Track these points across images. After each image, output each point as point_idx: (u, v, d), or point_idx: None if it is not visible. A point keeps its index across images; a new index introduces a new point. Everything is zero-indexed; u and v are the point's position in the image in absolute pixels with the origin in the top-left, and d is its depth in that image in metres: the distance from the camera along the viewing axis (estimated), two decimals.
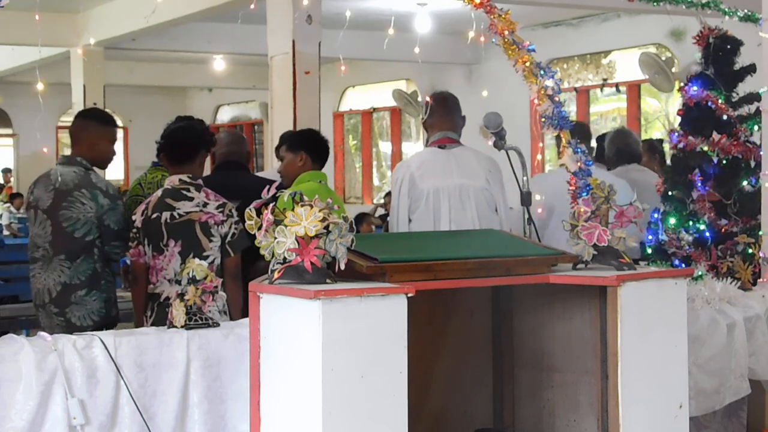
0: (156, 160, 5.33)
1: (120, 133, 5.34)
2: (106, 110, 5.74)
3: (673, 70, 12.06)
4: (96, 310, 4.76)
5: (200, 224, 4.58)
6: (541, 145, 14.59)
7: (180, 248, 4.55)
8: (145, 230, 4.63)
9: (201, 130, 4.97)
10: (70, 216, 4.74)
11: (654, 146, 7.57)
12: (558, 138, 4.19)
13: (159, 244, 4.58)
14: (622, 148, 6.67)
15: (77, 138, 4.96)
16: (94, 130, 4.95)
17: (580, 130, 6.08)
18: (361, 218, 11.07)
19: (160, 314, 4.48)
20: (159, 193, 4.71)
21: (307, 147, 5.32)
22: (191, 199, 4.62)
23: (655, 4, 5.44)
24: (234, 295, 4.53)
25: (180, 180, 4.67)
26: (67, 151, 5.20)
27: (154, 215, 4.61)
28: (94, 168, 4.97)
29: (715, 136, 5.21)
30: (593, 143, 6.87)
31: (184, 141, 4.80)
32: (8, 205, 17.54)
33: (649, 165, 6.94)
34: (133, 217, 4.71)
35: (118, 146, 5.28)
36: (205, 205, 4.61)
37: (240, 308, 4.51)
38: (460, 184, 5.19)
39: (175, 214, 4.59)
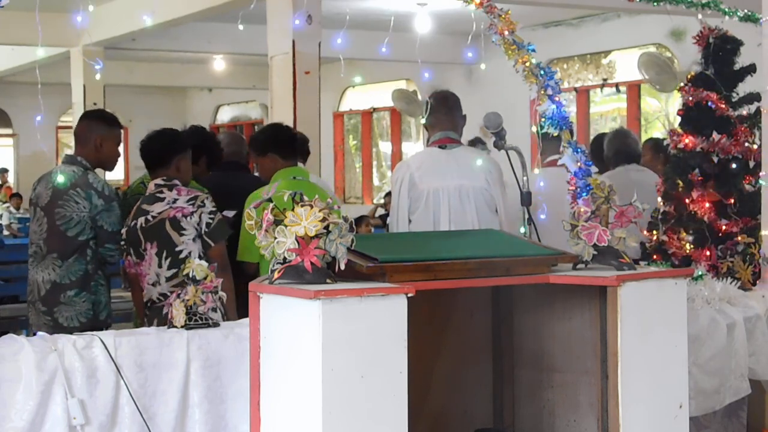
0: None
1: None
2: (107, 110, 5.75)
3: (672, 69, 12.05)
4: (84, 312, 4.76)
5: (169, 220, 4.57)
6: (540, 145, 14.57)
7: (156, 249, 4.57)
8: (128, 240, 4.67)
9: (174, 136, 4.96)
10: (64, 214, 4.76)
11: (659, 145, 7.55)
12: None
13: (139, 250, 4.62)
14: (621, 148, 6.66)
15: (81, 138, 4.98)
16: (99, 131, 4.97)
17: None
18: (359, 220, 11.06)
19: (150, 319, 4.53)
20: (139, 201, 4.76)
21: (272, 147, 5.23)
22: (163, 199, 4.63)
23: (655, 4, 5.44)
24: (224, 286, 4.50)
25: (155, 185, 4.71)
26: (68, 151, 5.24)
27: (133, 223, 4.64)
28: (98, 169, 4.99)
29: (715, 136, 5.21)
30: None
31: (156, 147, 4.83)
32: (7, 205, 17.54)
33: (653, 164, 6.93)
34: (122, 231, 4.74)
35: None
36: (175, 201, 4.61)
37: (232, 298, 4.48)
38: (459, 185, 5.18)
39: (149, 217, 4.61)
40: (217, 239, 4.62)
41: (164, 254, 4.54)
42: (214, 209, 4.62)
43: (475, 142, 8.61)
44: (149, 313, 4.57)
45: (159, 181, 4.71)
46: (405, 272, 3.23)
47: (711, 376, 4.53)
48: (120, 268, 6.31)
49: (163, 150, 4.81)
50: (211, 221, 4.60)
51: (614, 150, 6.66)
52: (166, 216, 4.58)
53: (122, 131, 5.19)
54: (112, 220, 4.83)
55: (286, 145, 5.27)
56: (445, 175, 5.19)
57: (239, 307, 4.47)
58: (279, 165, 5.18)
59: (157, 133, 4.95)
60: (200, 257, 4.54)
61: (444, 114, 5.33)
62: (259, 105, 21.11)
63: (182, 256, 4.50)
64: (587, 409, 3.73)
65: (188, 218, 4.58)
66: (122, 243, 4.72)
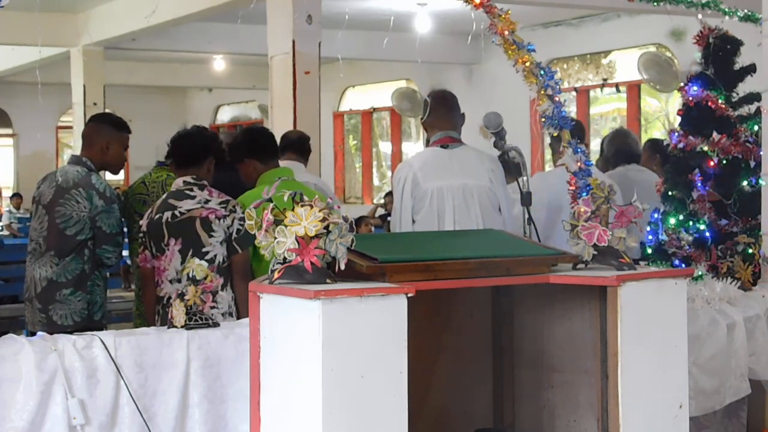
0: (161, 160, 5.34)
1: None
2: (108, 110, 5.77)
3: (673, 69, 12.06)
4: (78, 311, 4.77)
5: (200, 220, 4.55)
6: (541, 145, 14.59)
7: (180, 246, 4.54)
8: (148, 233, 4.63)
9: (209, 138, 4.96)
10: (64, 213, 4.78)
11: (656, 145, 7.55)
12: (552, 137, 4.18)
13: (160, 244, 4.58)
14: (621, 148, 6.67)
15: (88, 140, 5.01)
16: (106, 133, 5.01)
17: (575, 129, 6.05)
18: (358, 221, 11.08)
19: (165, 316, 4.47)
20: (164, 195, 4.72)
21: (248, 153, 5.12)
22: (193, 197, 4.61)
23: (655, 4, 5.45)
24: (244, 293, 4.46)
25: (184, 182, 4.67)
26: (69, 151, 5.27)
27: (157, 216, 4.61)
28: (102, 171, 5.00)
29: (715, 136, 5.21)
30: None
31: (191, 147, 4.79)
32: None
33: (649, 164, 6.94)
34: (141, 222, 4.73)
35: None
36: (207, 201, 4.60)
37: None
38: (463, 184, 5.16)
39: (176, 212, 4.58)
40: (244, 246, 4.59)
41: (190, 253, 4.49)
42: (243, 215, 4.60)
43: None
44: (163, 312, 4.53)
45: (188, 178, 4.67)
46: (405, 272, 3.23)
47: (711, 376, 4.53)
48: (120, 268, 6.29)
49: (198, 149, 4.77)
50: (241, 228, 4.57)
51: (614, 150, 6.67)
52: (197, 215, 4.55)
53: (129, 135, 5.19)
54: (111, 222, 4.84)
55: (262, 149, 5.14)
56: (449, 175, 5.17)
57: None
58: (259, 169, 5.07)
59: (191, 133, 4.90)
60: (223, 261, 4.55)
61: (443, 113, 5.32)
62: (258, 107, 21.07)
63: (208, 257, 4.47)
64: (587, 409, 3.73)
65: (220, 221, 4.55)
66: (142, 236, 4.67)
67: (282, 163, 5.51)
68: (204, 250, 4.51)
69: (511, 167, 5.22)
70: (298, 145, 6.35)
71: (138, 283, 5.08)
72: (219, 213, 4.56)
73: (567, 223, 3.69)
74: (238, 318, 4.44)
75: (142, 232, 4.68)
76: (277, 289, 3.10)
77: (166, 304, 4.49)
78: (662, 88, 12.33)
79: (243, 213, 4.59)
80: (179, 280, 4.49)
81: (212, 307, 3.65)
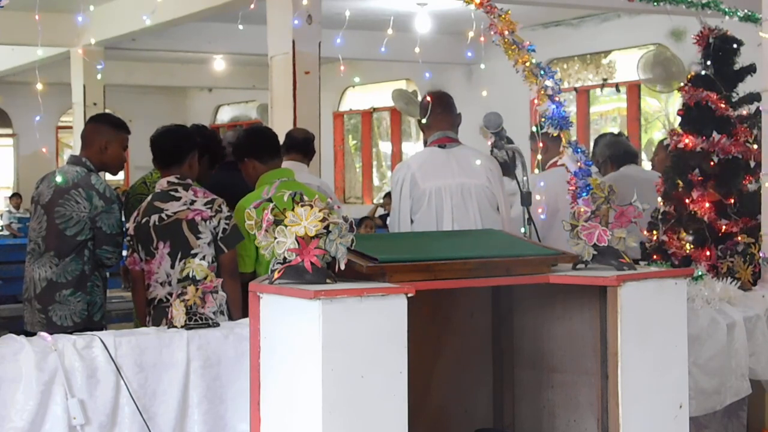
0: None
1: None
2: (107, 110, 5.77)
3: (674, 70, 12.04)
4: (78, 312, 4.77)
5: (187, 222, 4.54)
6: (540, 145, 14.56)
7: (169, 249, 4.53)
8: (137, 236, 4.62)
9: (188, 133, 4.94)
10: (63, 213, 4.77)
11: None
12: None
13: (149, 248, 4.57)
14: (628, 149, 6.72)
15: (88, 140, 5.00)
16: (105, 134, 5.00)
17: None
18: (361, 221, 11.09)
19: (156, 318, 4.47)
20: (149, 198, 4.71)
21: (248, 153, 5.11)
22: (179, 199, 4.59)
23: (655, 4, 5.44)
24: (232, 293, 4.46)
25: (168, 182, 4.66)
26: (69, 151, 5.26)
27: (144, 220, 4.60)
28: (101, 171, 4.99)
29: (715, 136, 5.21)
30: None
31: (169, 144, 4.78)
32: None
33: (662, 164, 6.96)
34: (127, 225, 4.71)
35: None
36: (193, 202, 4.58)
37: (239, 306, 4.47)
38: (461, 183, 5.17)
39: (163, 215, 4.57)
40: (231, 245, 4.58)
41: (178, 256, 4.49)
42: (230, 214, 4.58)
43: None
44: (154, 313, 4.53)
45: (172, 179, 4.66)
46: (405, 272, 3.23)
47: (711, 376, 4.54)
48: (120, 268, 6.30)
49: (177, 147, 4.76)
50: (227, 227, 4.56)
51: (623, 150, 6.69)
52: (183, 217, 4.54)
53: (128, 135, 5.18)
54: (111, 222, 4.83)
55: (262, 149, 5.11)
56: (447, 174, 5.18)
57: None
58: (260, 170, 5.05)
59: (169, 130, 4.88)
60: (213, 262, 4.54)
61: (441, 114, 5.32)
62: (257, 108, 21.05)
63: (199, 259, 4.46)
64: (587, 409, 3.73)
65: (207, 222, 4.54)
66: (130, 239, 4.67)
67: (285, 163, 5.50)
68: (193, 252, 4.51)
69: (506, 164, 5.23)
70: (303, 146, 6.34)
71: None
72: (205, 214, 4.55)
73: (567, 223, 3.69)
74: (230, 317, 4.43)
75: (129, 235, 4.67)
76: (277, 289, 3.10)
77: (157, 306, 4.51)
78: (663, 88, 12.32)
79: (229, 212, 4.59)
80: (170, 283, 4.50)
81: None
